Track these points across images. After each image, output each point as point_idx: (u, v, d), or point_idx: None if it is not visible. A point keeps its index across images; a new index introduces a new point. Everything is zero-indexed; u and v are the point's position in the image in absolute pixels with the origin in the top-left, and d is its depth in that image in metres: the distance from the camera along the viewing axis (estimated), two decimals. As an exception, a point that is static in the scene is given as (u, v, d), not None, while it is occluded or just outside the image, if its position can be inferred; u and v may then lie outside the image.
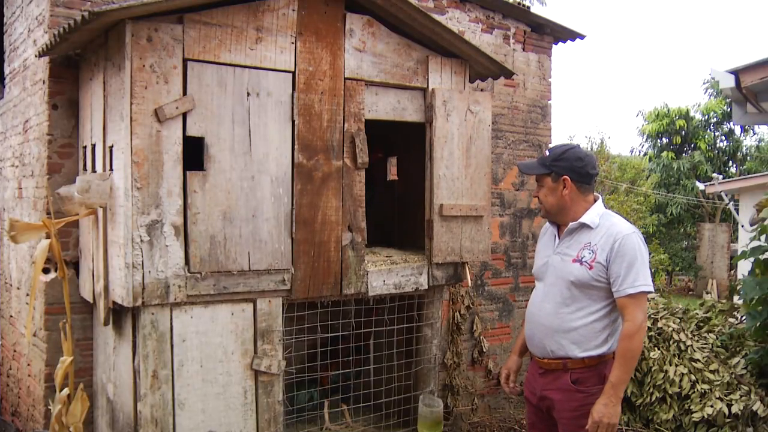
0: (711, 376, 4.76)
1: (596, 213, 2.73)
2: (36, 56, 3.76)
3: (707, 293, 14.91)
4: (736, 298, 5.81)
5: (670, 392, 4.81)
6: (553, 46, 5.87)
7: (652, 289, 2.63)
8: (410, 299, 4.14)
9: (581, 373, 2.66)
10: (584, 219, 2.71)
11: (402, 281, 3.88)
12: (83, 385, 3.41)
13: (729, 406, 4.51)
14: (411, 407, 4.13)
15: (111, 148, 3.28)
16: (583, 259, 2.66)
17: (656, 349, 5.06)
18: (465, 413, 5.10)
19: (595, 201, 2.78)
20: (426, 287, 4.00)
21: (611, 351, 2.66)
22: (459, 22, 5.24)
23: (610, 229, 2.67)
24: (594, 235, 2.69)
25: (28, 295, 4.35)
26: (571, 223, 2.75)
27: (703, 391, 4.69)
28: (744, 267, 8.58)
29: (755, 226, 4.96)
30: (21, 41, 4.47)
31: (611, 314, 2.66)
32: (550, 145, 2.85)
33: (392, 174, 5.08)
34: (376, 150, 4.42)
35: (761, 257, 4.72)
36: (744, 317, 5.08)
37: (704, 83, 21.19)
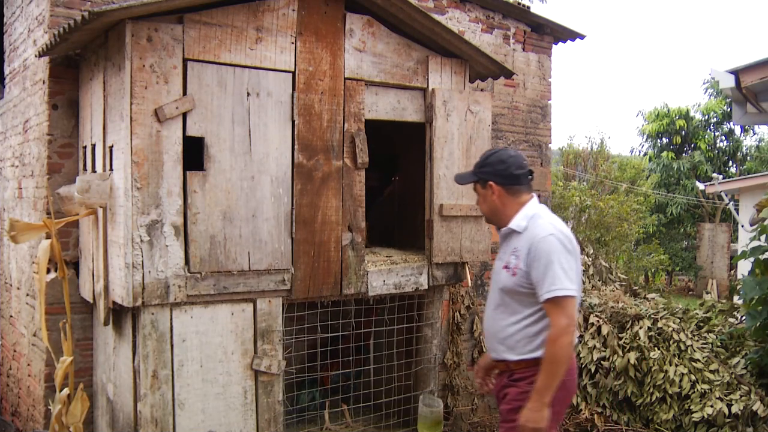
0: (711, 376, 4.76)
1: (524, 216, 2.65)
2: (36, 56, 3.76)
3: (707, 293, 14.90)
4: (736, 298, 5.82)
5: (670, 392, 4.81)
6: (553, 46, 5.87)
7: (572, 293, 2.47)
8: (410, 299, 4.14)
9: (521, 372, 2.66)
10: (512, 224, 2.67)
11: (402, 281, 3.87)
12: (83, 385, 3.41)
13: (729, 406, 4.51)
14: (411, 407, 4.13)
15: (111, 148, 3.28)
16: (509, 265, 2.62)
17: (656, 349, 5.06)
18: (465, 413, 5.09)
19: (528, 201, 2.69)
20: (426, 287, 4.00)
21: None
22: (459, 22, 5.24)
23: (530, 232, 2.60)
24: (520, 239, 2.63)
25: (28, 295, 4.35)
26: (502, 229, 2.72)
27: (703, 391, 4.69)
28: (744, 267, 8.59)
29: (755, 226, 4.97)
30: (21, 41, 4.47)
31: (544, 318, 2.59)
32: (531, 160, 2.79)
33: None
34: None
35: (761, 257, 4.72)
36: (744, 317, 5.08)
37: (704, 83, 21.17)
